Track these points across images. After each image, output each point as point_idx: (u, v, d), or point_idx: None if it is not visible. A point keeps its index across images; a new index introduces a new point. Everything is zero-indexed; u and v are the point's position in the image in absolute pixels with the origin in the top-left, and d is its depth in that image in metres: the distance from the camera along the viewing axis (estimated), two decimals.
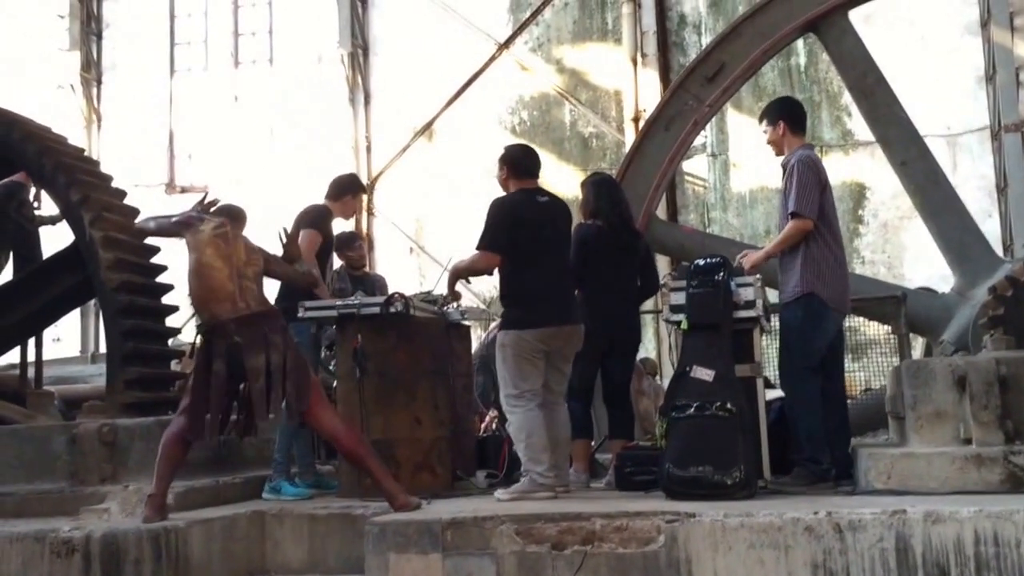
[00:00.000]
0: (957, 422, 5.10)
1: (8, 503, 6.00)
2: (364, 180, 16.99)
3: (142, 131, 17.88)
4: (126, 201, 7.58)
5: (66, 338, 15.41)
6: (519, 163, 5.89)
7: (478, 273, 6.01)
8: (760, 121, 6.07)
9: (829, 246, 5.75)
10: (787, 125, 5.91)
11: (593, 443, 7.04)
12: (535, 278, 5.64)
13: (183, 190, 17.81)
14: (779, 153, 6.04)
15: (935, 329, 7.26)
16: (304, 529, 5.70)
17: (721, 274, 5.51)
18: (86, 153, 8.46)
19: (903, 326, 7.05)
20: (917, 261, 13.77)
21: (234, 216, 5.96)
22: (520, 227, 5.66)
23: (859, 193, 15.09)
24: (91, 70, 18.50)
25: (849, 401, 9.09)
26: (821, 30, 7.47)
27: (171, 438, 5.44)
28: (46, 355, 9.30)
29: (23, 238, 8.02)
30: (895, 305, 7.05)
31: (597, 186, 6.58)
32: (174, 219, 5.81)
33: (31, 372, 8.02)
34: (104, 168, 8.03)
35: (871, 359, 8.78)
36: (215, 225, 5.66)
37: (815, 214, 5.65)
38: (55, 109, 17.73)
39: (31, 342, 7.96)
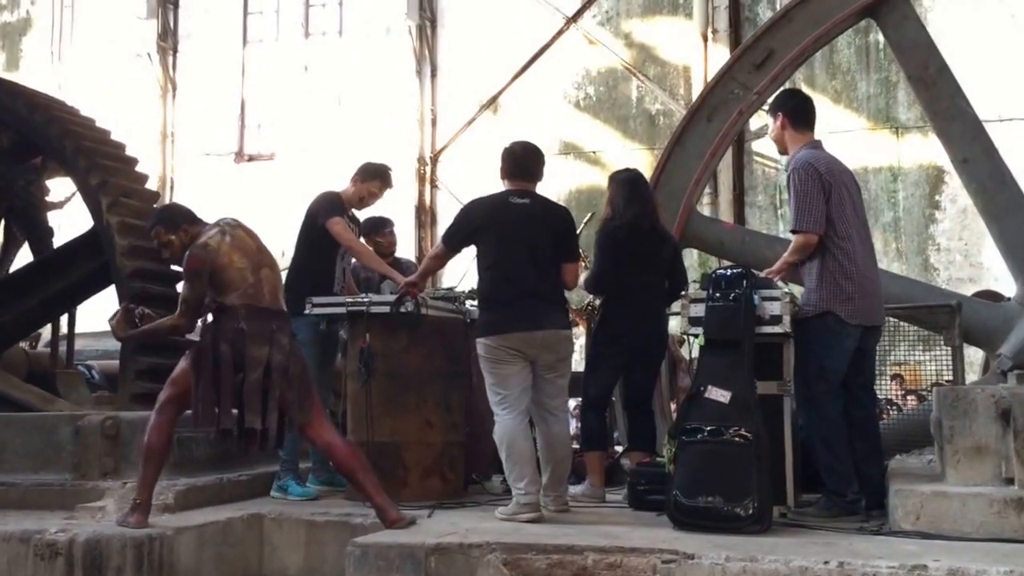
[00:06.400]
0: (999, 459, 4.68)
1: (12, 494, 5.91)
2: (428, 153, 16.88)
3: (214, 100, 17.96)
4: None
5: None
6: (507, 162, 5.58)
7: (432, 268, 5.86)
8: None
9: (848, 255, 5.20)
10: (787, 119, 5.43)
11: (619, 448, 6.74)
12: (499, 282, 5.32)
13: (251, 159, 17.89)
14: (783, 151, 5.59)
15: (993, 341, 6.68)
16: (302, 535, 5.54)
17: (743, 286, 5.10)
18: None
19: (957, 337, 6.50)
20: (996, 250, 12.88)
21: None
22: (481, 230, 5.40)
23: (936, 177, 14.32)
24: (167, 39, 18.66)
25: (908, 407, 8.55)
26: (880, 15, 6.89)
27: (159, 437, 5.17)
28: (98, 327, 9.24)
29: (33, 218, 7.91)
30: (948, 315, 6.50)
31: (625, 184, 6.17)
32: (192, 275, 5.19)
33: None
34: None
35: (944, 350, 8.09)
36: (219, 232, 5.26)
37: (820, 226, 5.15)
38: (133, 78, 18.00)
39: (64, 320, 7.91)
